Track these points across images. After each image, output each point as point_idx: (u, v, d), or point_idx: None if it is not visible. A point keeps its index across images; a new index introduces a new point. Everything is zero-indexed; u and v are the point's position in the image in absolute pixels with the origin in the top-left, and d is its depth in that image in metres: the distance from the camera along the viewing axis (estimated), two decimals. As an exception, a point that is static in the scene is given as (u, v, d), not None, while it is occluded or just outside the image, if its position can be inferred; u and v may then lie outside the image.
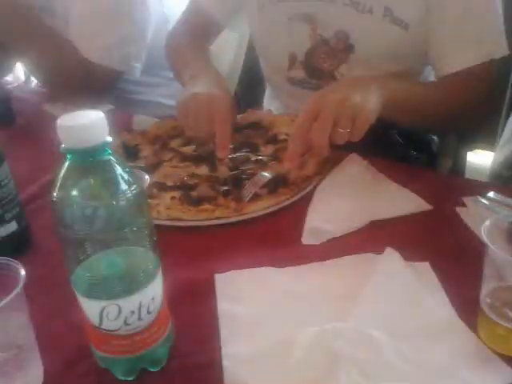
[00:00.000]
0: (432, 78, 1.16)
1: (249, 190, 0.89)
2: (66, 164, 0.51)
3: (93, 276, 0.55)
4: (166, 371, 0.62)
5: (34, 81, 1.74)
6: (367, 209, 0.85)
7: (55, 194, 0.51)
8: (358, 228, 0.83)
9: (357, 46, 1.08)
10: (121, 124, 1.18)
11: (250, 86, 1.53)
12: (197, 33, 1.27)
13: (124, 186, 0.51)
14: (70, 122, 0.49)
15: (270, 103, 1.39)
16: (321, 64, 1.13)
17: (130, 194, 0.51)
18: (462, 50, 1.01)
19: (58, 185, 0.51)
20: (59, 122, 0.49)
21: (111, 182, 0.51)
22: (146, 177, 0.79)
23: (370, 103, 0.83)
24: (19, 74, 1.60)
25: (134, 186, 0.52)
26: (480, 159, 1.45)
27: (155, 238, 0.57)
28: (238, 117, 1.10)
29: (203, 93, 0.98)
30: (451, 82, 1.02)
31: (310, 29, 1.11)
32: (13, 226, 0.80)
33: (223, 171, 0.97)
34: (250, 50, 1.53)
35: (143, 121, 1.18)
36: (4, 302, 0.52)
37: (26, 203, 0.89)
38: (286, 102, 1.28)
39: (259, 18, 1.17)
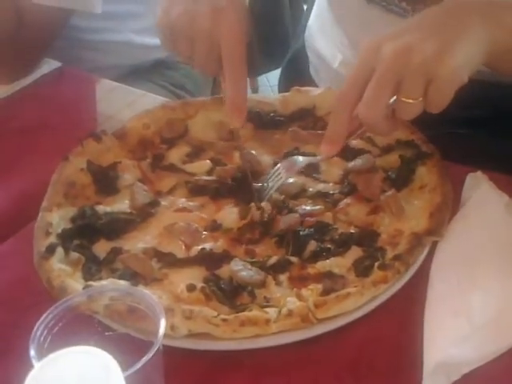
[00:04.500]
0: None
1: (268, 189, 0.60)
2: None
3: None
4: None
5: None
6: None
7: None
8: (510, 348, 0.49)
9: None
10: (75, 97, 0.80)
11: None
12: None
13: None
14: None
15: (320, 30, 0.90)
16: None
17: None
18: None
19: None
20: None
21: None
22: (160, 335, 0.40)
23: (457, 52, 0.53)
24: None
25: None
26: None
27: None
28: (276, 101, 0.69)
29: (203, 10, 0.63)
30: None
31: None
32: None
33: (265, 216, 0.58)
34: None
35: (113, 90, 0.81)
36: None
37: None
38: (352, 32, 0.81)
39: None
